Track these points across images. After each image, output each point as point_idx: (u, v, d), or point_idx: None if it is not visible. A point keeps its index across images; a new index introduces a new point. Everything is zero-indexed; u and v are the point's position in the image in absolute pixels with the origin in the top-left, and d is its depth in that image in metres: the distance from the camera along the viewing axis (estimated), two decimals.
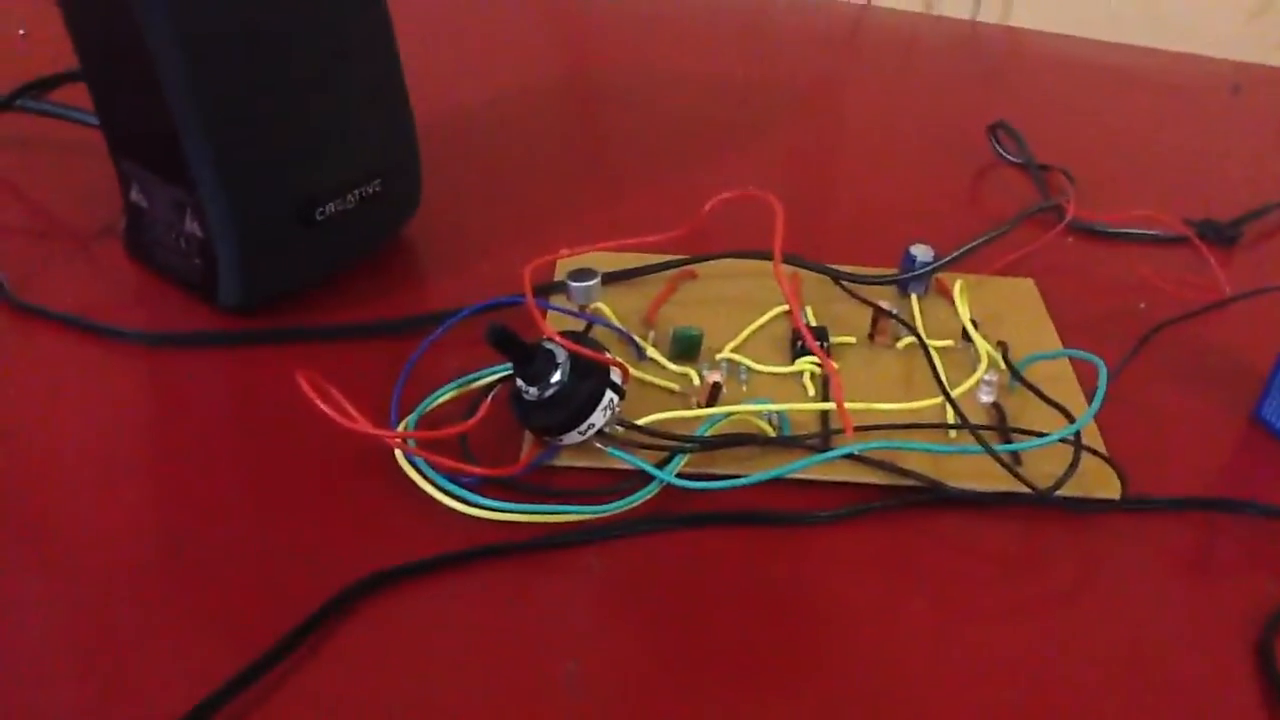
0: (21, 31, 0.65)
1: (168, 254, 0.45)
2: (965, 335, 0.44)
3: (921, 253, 0.47)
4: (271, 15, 0.40)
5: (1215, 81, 0.73)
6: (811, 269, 0.47)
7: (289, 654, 0.32)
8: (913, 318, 0.46)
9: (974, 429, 0.39)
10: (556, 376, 0.37)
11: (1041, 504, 0.39)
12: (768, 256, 0.44)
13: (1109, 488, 0.39)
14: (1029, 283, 0.50)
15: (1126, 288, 0.51)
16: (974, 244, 0.48)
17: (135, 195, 0.45)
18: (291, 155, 0.42)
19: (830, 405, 0.40)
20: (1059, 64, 0.75)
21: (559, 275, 0.47)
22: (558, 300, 0.45)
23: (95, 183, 0.50)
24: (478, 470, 0.37)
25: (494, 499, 0.37)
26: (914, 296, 0.47)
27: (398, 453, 0.38)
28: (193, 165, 0.40)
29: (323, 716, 0.31)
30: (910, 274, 0.47)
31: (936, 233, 0.51)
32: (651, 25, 0.76)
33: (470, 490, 0.37)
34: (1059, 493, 0.39)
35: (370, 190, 0.45)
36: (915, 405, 0.40)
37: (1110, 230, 0.54)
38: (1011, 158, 0.60)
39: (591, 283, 0.42)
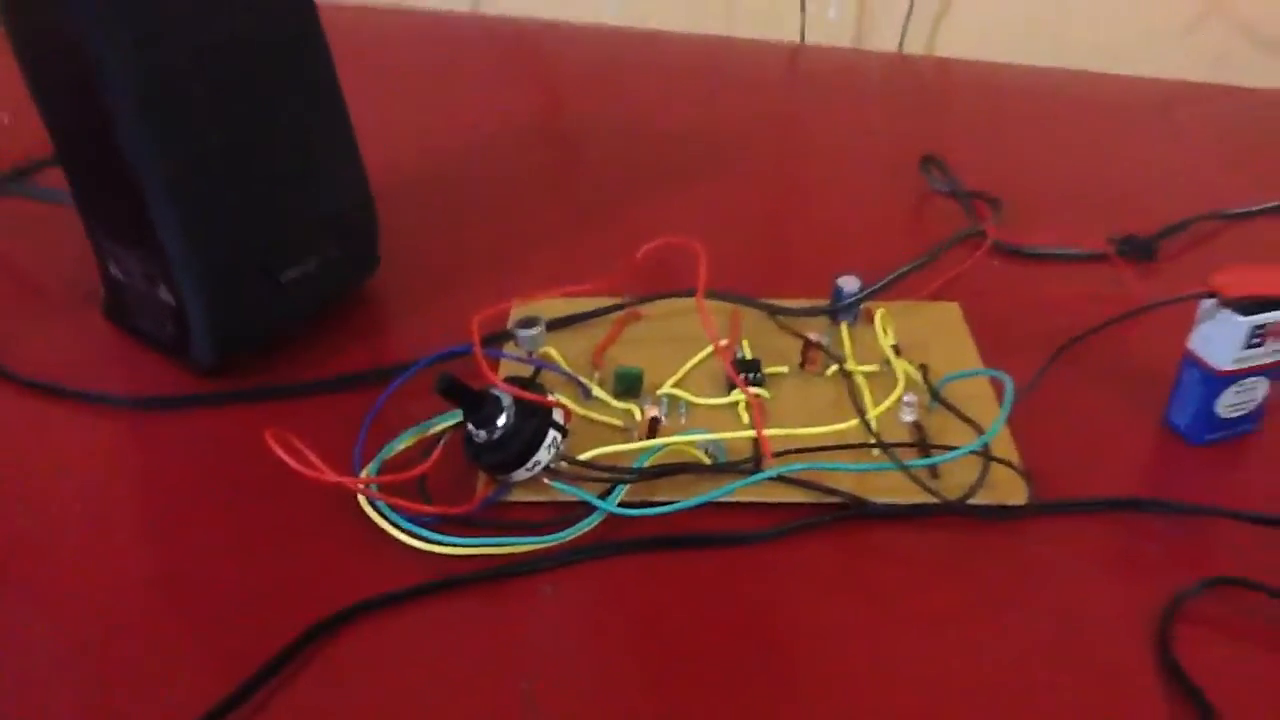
0: (5, 120, 0.68)
1: (144, 321, 0.48)
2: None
3: (848, 284, 0.50)
4: (231, 102, 0.44)
5: (1143, 100, 0.76)
6: (746, 304, 0.51)
7: (266, 683, 0.36)
8: (842, 346, 0.49)
9: (887, 447, 0.42)
10: (503, 420, 0.40)
11: (958, 513, 0.42)
12: (702, 295, 0.47)
13: (1019, 494, 0.42)
14: (954, 306, 0.53)
15: (1048, 305, 0.54)
16: (897, 274, 0.52)
17: (113, 269, 0.48)
18: (253, 225, 0.46)
19: (750, 430, 0.43)
20: (987, 91, 0.78)
21: (510, 323, 0.50)
22: (510, 347, 0.48)
23: (78, 257, 0.54)
24: (435, 510, 0.40)
25: (451, 535, 0.40)
26: (844, 325, 0.50)
27: (360, 498, 0.41)
28: (162, 239, 0.44)
29: None
30: (838, 305, 0.50)
31: (870, 263, 0.54)
32: (600, 76, 0.79)
33: (429, 529, 0.40)
34: (975, 501, 0.42)
35: (328, 256, 0.49)
36: (838, 427, 0.43)
37: (1033, 251, 0.58)
38: (941, 187, 0.63)
39: (536, 330, 0.45)
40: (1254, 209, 0.62)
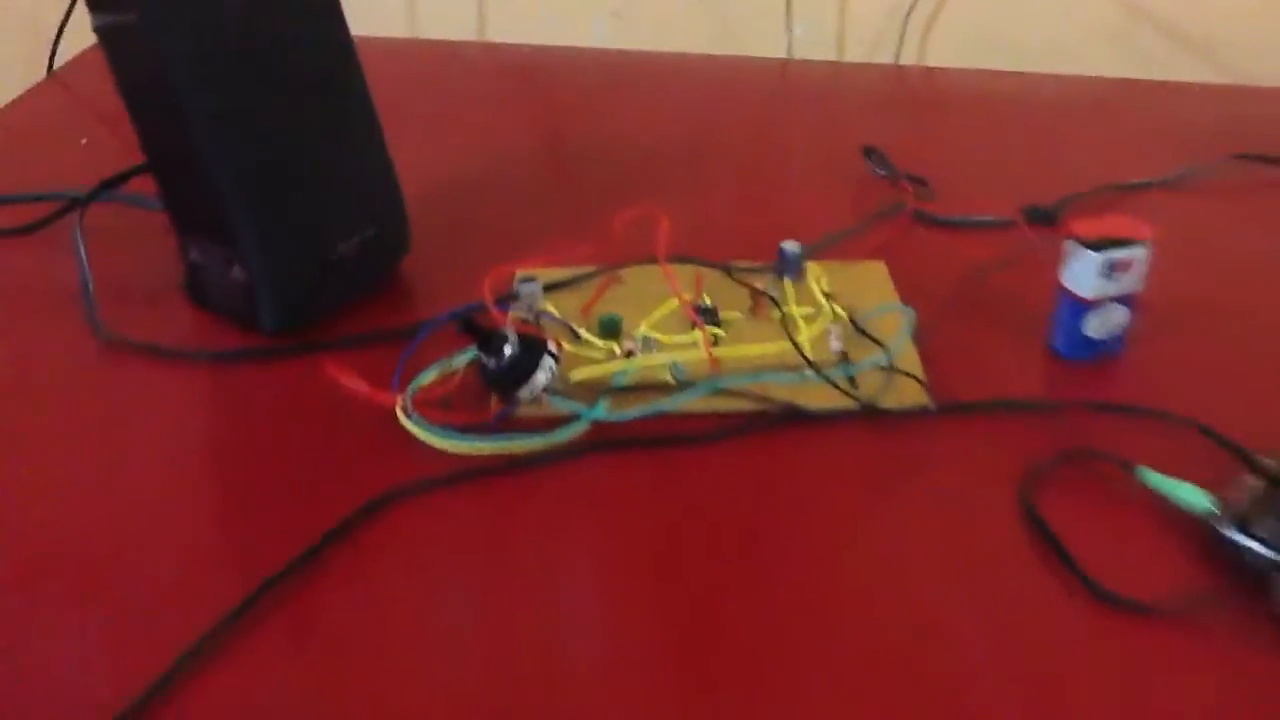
0: (84, 141, 0.80)
1: (220, 296, 0.60)
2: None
3: (790, 246, 0.62)
4: (286, 109, 0.56)
5: (1068, 96, 0.87)
6: (707, 265, 0.62)
7: (331, 545, 0.47)
8: (785, 295, 0.60)
9: (811, 364, 0.53)
10: (508, 350, 0.51)
11: (872, 415, 0.53)
12: (672, 260, 0.59)
13: (923, 400, 0.53)
14: (881, 265, 0.64)
15: (961, 263, 0.65)
16: (832, 238, 0.63)
17: (194, 255, 0.60)
18: (309, 214, 0.58)
19: (705, 353, 0.54)
20: (935, 92, 0.90)
21: (514, 287, 0.61)
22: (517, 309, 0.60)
23: (157, 253, 0.66)
24: (458, 418, 0.52)
25: (472, 437, 0.51)
26: (787, 280, 0.62)
27: (399, 412, 0.52)
28: (237, 229, 0.56)
29: (355, 594, 0.45)
30: (782, 264, 0.61)
31: (814, 233, 0.65)
32: (593, 94, 0.91)
33: (455, 433, 0.52)
34: (885, 406, 0.53)
35: (368, 235, 0.61)
36: (773, 347, 0.55)
37: (950, 220, 0.69)
38: (879, 172, 0.75)
39: (535, 286, 0.57)
40: (1143, 181, 0.73)
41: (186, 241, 0.60)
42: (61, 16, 0.90)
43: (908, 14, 0.99)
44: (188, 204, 0.59)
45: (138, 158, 0.68)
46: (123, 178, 0.64)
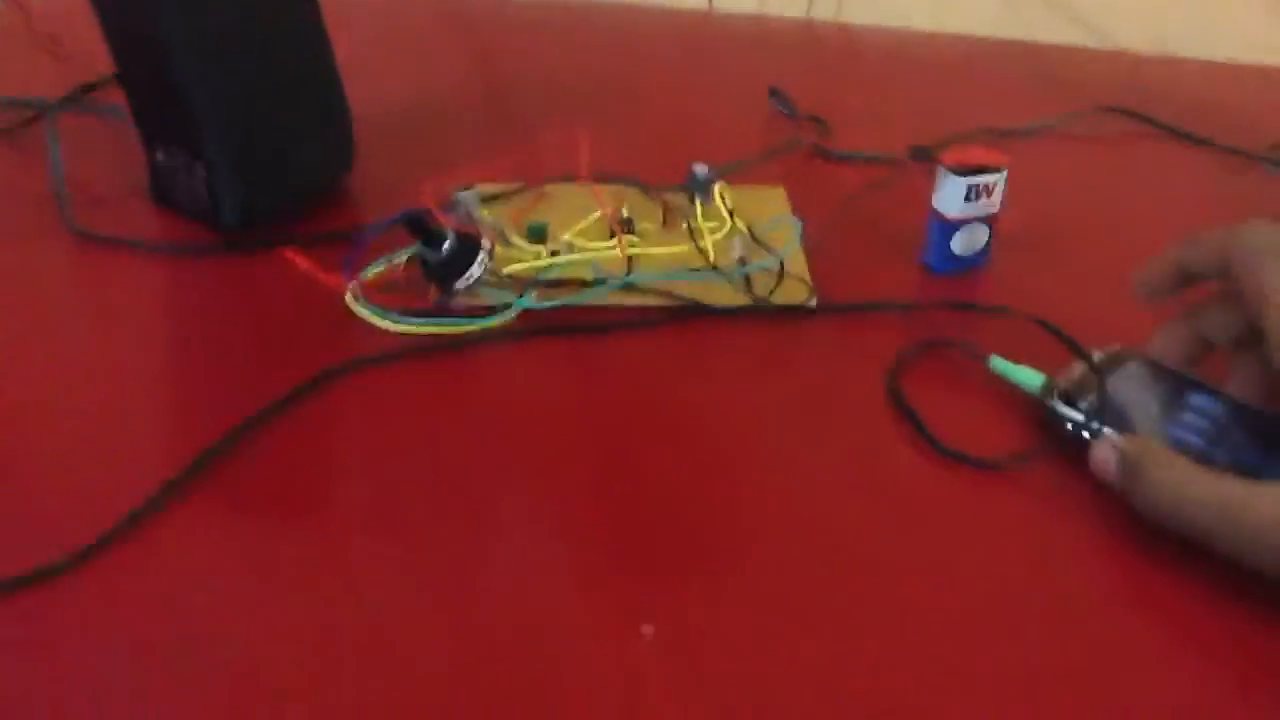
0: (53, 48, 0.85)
1: (184, 196, 0.66)
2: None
3: (701, 168, 0.69)
4: (250, 27, 0.62)
5: (959, 54, 0.96)
6: (627, 184, 0.70)
7: (282, 412, 0.53)
8: (695, 211, 0.68)
9: (713, 265, 0.61)
10: (447, 244, 0.58)
11: (764, 311, 0.61)
12: (593, 179, 0.66)
13: (809, 299, 0.62)
14: (780, 190, 0.72)
15: (851, 190, 0.73)
16: (738, 163, 0.71)
17: (160, 157, 0.66)
18: (266, 121, 0.64)
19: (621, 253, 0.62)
20: (846, 46, 0.98)
21: (452, 196, 0.68)
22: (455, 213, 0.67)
23: (120, 160, 0.71)
24: (402, 303, 0.58)
25: (415, 318, 0.58)
26: (698, 200, 0.69)
27: (348, 297, 0.59)
28: (204, 133, 0.62)
29: (297, 462, 0.52)
30: (692, 183, 0.69)
31: (725, 161, 0.73)
32: (536, 34, 0.97)
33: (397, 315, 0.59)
34: (775, 302, 0.61)
35: (320, 144, 0.67)
36: (681, 248, 0.62)
37: (843, 154, 0.77)
38: (783, 110, 0.83)
39: (471, 193, 0.64)
40: (1016, 128, 0.82)
41: (153, 146, 0.66)
42: None
43: None
44: (157, 111, 0.65)
45: (91, 69, 0.73)
46: (92, 87, 0.69)
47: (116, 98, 0.69)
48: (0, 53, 0.86)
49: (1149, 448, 0.49)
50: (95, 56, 0.67)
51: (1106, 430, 0.52)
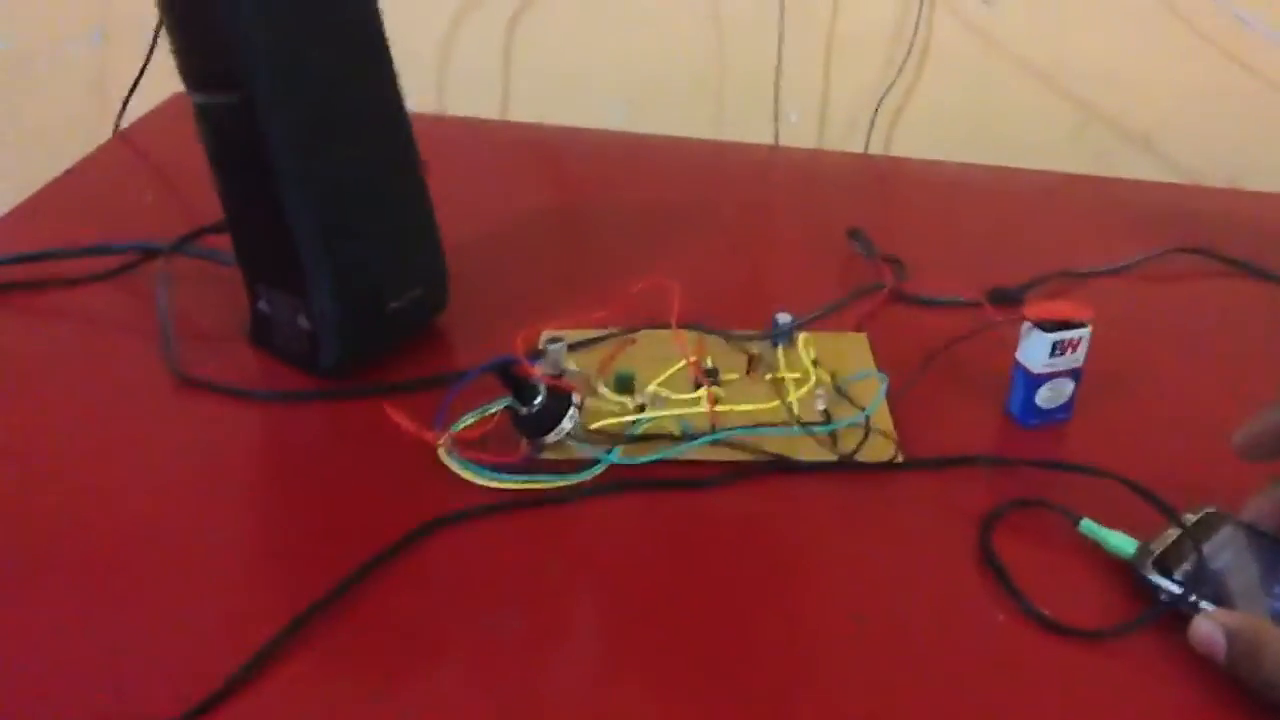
0: (149, 198, 0.89)
1: (284, 342, 0.68)
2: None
3: (783, 317, 0.70)
4: (358, 178, 0.65)
5: (1031, 188, 0.97)
6: (710, 332, 0.71)
7: (378, 569, 0.55)
8: (776, 361, 0.69)
9: (799, 420, 0.62)
10: (539, 399, 0.60)
11: (848, 467, 0.61)
12: (678, 326, 0.67)
13: (894, 455, 0.62)
14: (862, 336, 0.73)
15: (932, 336, 0.74)
16: (820, 311, 0.72)
17: (262, 305, 0.68)
18: (369, 273, 0.67)
19: (708, 409, 0.63)
20: (914, 181, 0.99)
21: (541, 343, 0.70)
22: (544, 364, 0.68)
23: (221, 301, 0.74)
24: (493, 458, 0.60)
25: (504, 474, 0.60)
26: (780, 347, 0.70)
27: (441, 451, 0.61)
28: (309, 282, 0.64)
29: (399, 615, 0.53)
30: (775, 332, 0.70)
31: (803, 305, 0.74)
32: (606, 170, 1.00)
33: (489, 470, 0.60)
34: (861, 459, 0.61)
35: (416, 293, 0.69)
36: (767, 405, 0.63)
37: (924, 299, 0.78)
38: (861, 252, 0.84)
39: (559, 346, 0.65)
40: (1096, 270, 0.82)
41: (256, 292, 0.69)
42: (132, 79, 0.99)
43: (876, 107, 1.10)
44: (263, 259, 0.67)
45: (197, 213, 0.76)
46: (199, 233, 0.73)
47: (222, 243, 0.72)
48: (114, 197, 0.90)
49: (1260, 626, 0.48)
50: (201, 201, 0.70)
51: (1205, 604, 0.51)
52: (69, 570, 0.54)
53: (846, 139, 1.13)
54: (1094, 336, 0.64)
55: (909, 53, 1.08)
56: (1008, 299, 0.78)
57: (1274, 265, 0.83)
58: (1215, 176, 1.04)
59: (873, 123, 1.11)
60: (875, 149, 1.13)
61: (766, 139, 1.13)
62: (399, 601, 0.53)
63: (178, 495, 0.59)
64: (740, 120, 1.15)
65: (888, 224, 0.88)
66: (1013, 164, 1.01)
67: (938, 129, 1.11)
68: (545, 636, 0.52)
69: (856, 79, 1.11)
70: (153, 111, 1.02)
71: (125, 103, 0.99)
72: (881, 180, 1.02)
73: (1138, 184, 0.99)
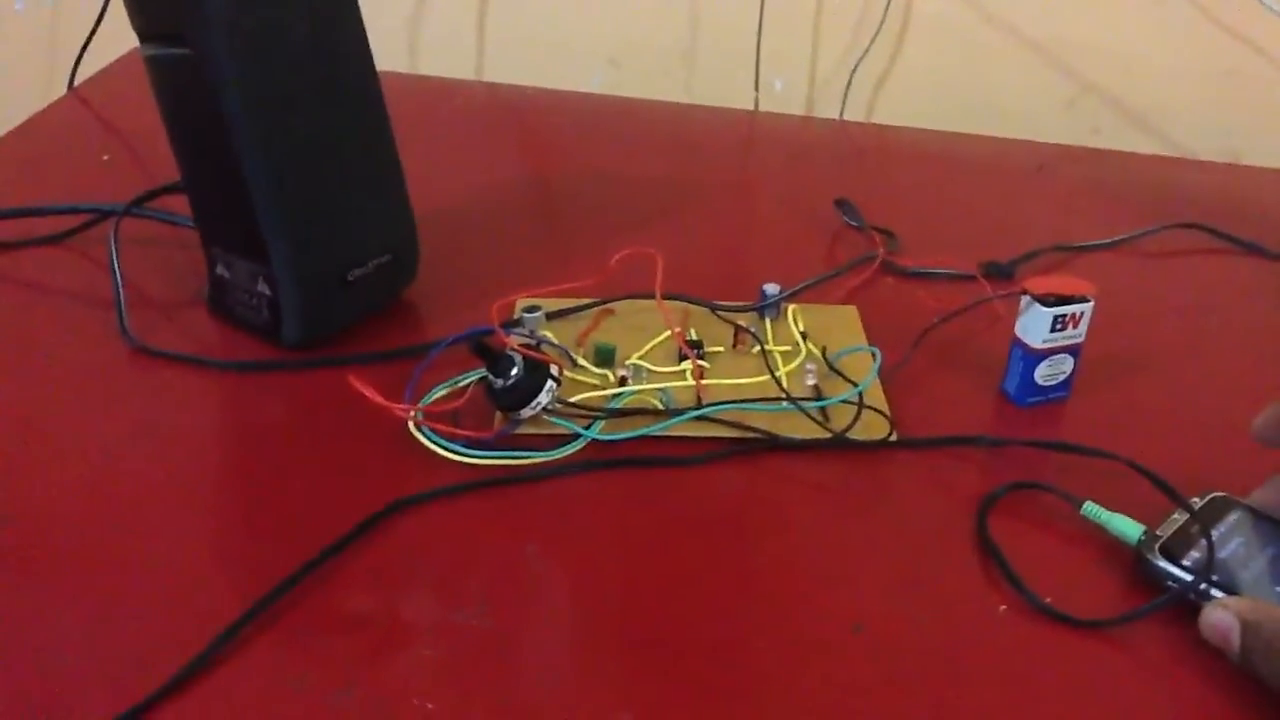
0: (106, 158, 0.85)
1: (244, 310, 0.64)
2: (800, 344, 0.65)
3: (770, 288, 0.67)
4: (322, 140, 0.61)
5: (1024, 160, 0.94)
6: (694, 303, 0.68)
7: (343, 551, 0.51)
8: (764, 333, 0.66)
9: (789, 396, 0.59)
10: (515, 371, 0.56)
11: (841, 445, 0.59)
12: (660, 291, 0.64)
13: (886, 432, 0.59)
14: (852, 309, 0.70)
15: (924, 311, 0.71)
16: (809, 282, 0.69)
17: (220, 270, 0.65)
18: (334, 237, 0.63)
19: (693, 382, 0.60)
20: (901, 149, 0.96)
21: (517, 312, 0.66)
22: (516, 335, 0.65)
23: (178, 266, 0.70)
24: (465, 433, 0.56)
25: (478, 450, 0.56)
26: (767, 319, 0.67)
27: (410, 425, 0.57)
28: (269, 245, 0.60)
29: (367, 595, 0.50)
30: (762, 304, 0.67)
31: (791, 276, 0.71)
32: (589, 132, 0.96)
33: (462, 446, 0.56)
34: (854, 436, 0.58)
35: (383, 260, 0.65)
36: (756, 380, 0.60)
37: (916, 271, 0.75)
38: (850, 222, 0.81)
39: (537, 314, 0.62)
40: (1090, 243, 0.79)
41: (214, 257, 0.65)
42: (85, 35, 0.94)
43: (851, 73, 1.06)
44: (221, 222, 0.63)
45: (155, 174, 0.72)
46: (154, 194, 0.69)
47: (180, 204, 0.68)
48: (66, 156, 0.86)
49: (1276, 614, 0.46)
50: (159, 162, 0.66)
51: (1216, 593, 0.49)
52: (5, 554, 0.51)
53: (830, 107, 1.10)
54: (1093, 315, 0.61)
55: (884, 15, 1.04)
56: (999, 273, 0.76)
57: (1275, 243, 0.81)
58: (1211, 154, 1.02)
59: (848, 88, 1.07)
60: (857, 117, 1.10)
61: (746, 105, 1.10)
62: (364, 587, 0.50)
63: (129, 471, 0.56)
64: (720, 86, 1.11)
65: (875, 194, 0.85)
66: (1003, 134, 0.98)
67: (923, 97, 1.08)
68: (519, 624, 0.49)
69: (841, 45, 1.08)
70: (109, 67, 0.97)
71: (79, 58, 0.94)
72: (868, 150, 0.98)
73: (1133, 157, 0.96)
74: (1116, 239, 0.80)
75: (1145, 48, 1.02)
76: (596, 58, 1.12)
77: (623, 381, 0.61)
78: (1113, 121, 1.05)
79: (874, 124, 1.08)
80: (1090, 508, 0.54)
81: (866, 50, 1.06)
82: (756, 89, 1.09)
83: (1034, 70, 1.05)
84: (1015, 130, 0.98)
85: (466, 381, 0.61)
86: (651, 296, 0.64)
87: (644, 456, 0.57)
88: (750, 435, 0.59)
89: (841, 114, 1.08)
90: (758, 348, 0.64)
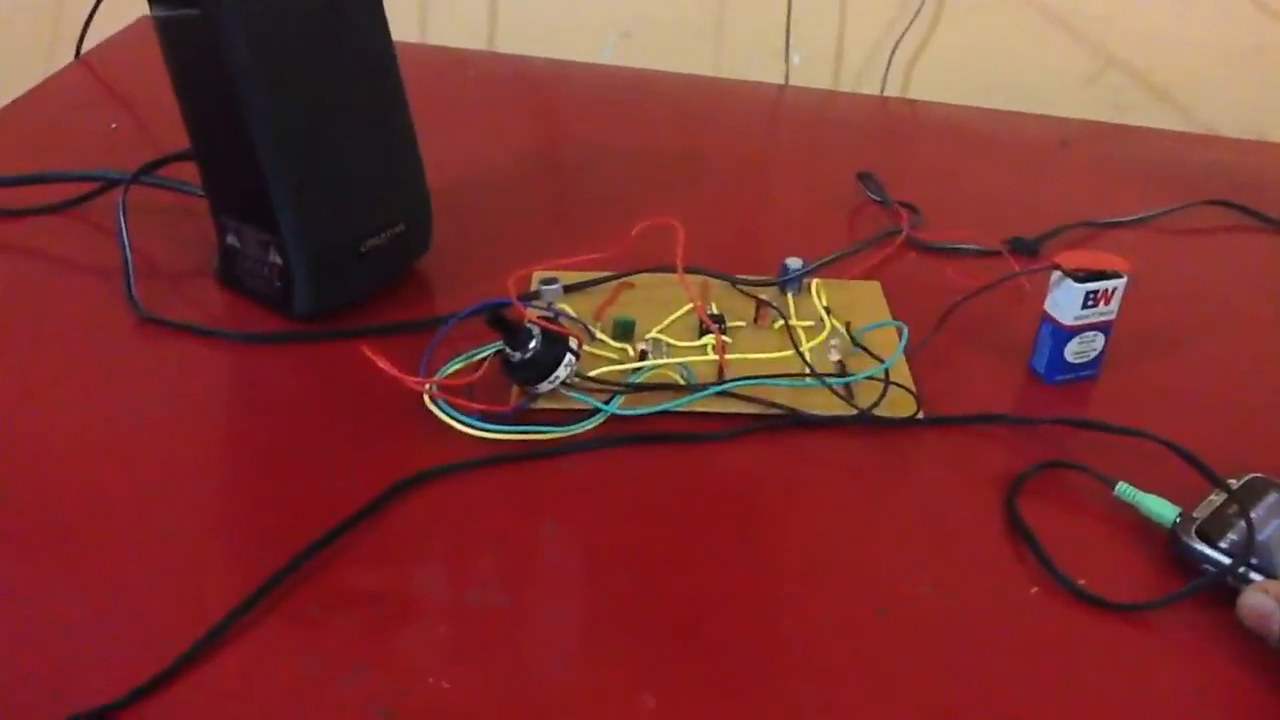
0: (114, 125, 0.83)
1: (254, 280, 0.63)
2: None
3: (793, 262, 0.66)
4: (334, 107, 0.59)
5: (1048, 135, 0.92)
6: (715, 276, 0.66)
7: (358, 525, 0.50)
8: (787, 308, 0.64)
9: (814, 371, 0.57)
10: (533, 344, 0.55)
11: (866, 422, 0.57)
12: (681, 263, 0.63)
13: (912, 410, 0.58)
14: (876, 284, 0.68)
15: (950, 287, 0.69)
16: (832, 257, 0.67)
17: (231, 239, 0.63)
18: (346, 206, 0.61)
19: (715, 357, 0.58)
20: (925, 124, 0.94)
21: (534, 284, 0.65)
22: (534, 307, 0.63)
23: (187, 236, 0.69)
24: (481, 407, 0.55)
25: (494, 425, 0.55)
26: (789, 294, 0.66)
27: (426, 398, 0.56)
28: (280, 215, 0.59)
29: (380, 570, 0.48)
30: (784, 278, 0.65)
31: (814, 250, 0.69)
32: (605, 104, 0.95)
33: (477, 420, 0.55)
34: (879, 413, 0.57)
35: (397, 231, 0.64)
36: (779, 354, 0.59)
37: (940, 246, 0.73)
38: (873, 196, 0.79)
39: (555, 286, 0.60)
40: (1115, 220, 0.78)
41: (224, 226, 0.63)
42: (92, 1, 0.92)
43: (893, 49, 1.04)
44: (231, 190, 0.62)
45: (163, 142, 0.71)
46: (162, 161, 0.67)
47: (189, 172, 0.66)
48: (73, 123, 0.84)
49: None
50: (167, 130, 0.65)
51: (1255, 576, 0.48)
52: (13, 530, 0.50)
53: (859, 82, 1.08)
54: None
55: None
56: (1025, 249, 0.74)
57: None
58: (1237, 130, 0.99)
59: (889, 65, 1.06)
60: (890, 92, 1.08)
61: (772, 79, 1.08)
62: (377, 563, 0.49)
63: (137, 444, 0.54)
64: (744, 59, 1.09)
65: (897, 169, 0.83)
66: (1026, 109, 0.96)
67: (947, 72, 1.06)
68: (536, 602, 0.47)
69: (870, 20, 1.06)
70: (117, 35, 0.95)
71: (86, 25, 0.92)
72: (889, 125, 0.96)
73: (1157, 133, 0.94)
74: (1143, 215, 0.79)
75: (1169, 23, 1.00)
76: (610, 29, 1.10)
77: (643, 356, 0.60)
78: (1137, 97, 1.03)
79: (895, 98, 1.07)
80: (1124, 488, 0.52)
81: (908, 27, 1.04)
82: (787, 61, 1.07)
83: (1056, 45, 1.03)
84: (1037, 105, 0.96)
85: (483, 355, 0.59)
86: (671, 270, 0.63)
87: (664, 432, 0.56)
88: (773, 412, 0.57)
89: (882, 90, 1.06)
90: (780, 322, 0.63)
